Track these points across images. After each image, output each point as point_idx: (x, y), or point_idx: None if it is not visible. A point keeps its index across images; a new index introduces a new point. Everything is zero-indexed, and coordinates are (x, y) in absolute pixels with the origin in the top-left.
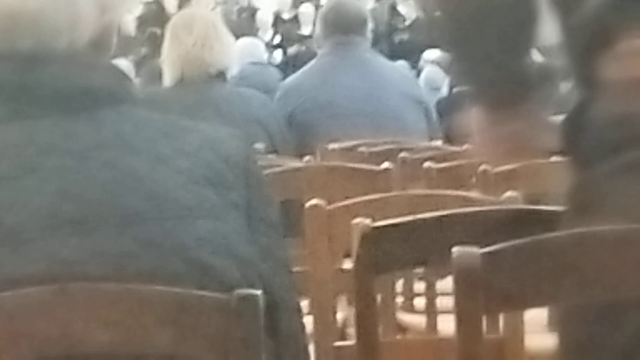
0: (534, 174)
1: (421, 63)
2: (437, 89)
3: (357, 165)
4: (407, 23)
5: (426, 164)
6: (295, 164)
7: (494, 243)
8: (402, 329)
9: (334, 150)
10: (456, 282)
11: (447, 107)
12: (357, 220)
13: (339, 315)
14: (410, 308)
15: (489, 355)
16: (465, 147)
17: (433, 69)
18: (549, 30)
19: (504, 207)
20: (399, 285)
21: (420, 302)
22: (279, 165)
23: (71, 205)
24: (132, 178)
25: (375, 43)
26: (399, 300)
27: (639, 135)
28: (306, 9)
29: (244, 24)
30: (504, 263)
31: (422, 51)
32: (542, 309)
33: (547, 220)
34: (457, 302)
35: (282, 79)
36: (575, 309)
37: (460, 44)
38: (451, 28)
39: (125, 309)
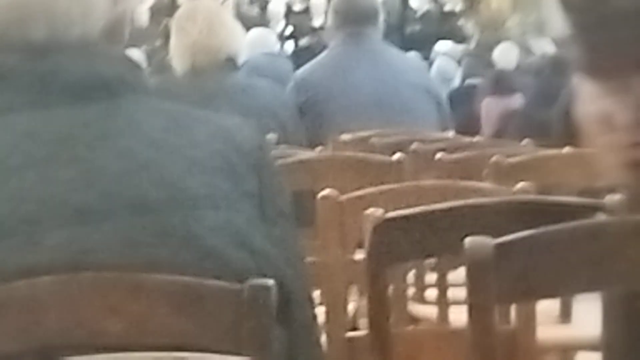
0: (546, 165)
1: (433, 54)
2: (449, 80)
3: (369, 156)
4: (419, 14)
5: (438, 155)
6: (308, 154)
7: (506, 234)
8: (414, 319)
9: (346, 141)
10: (468, 273)
11: (460, 98)
12: (369, 211)
13: (351, 306)
14: (421, 299)
15: (501, 346)
16: (477, 138)
17: (445, 60)
18: (562, 21)
19: (516, 197)
20: (411, 276)
21: (432, 293)
22: (291, 156)
23: (84, 195)
24: (146, 168)
25: (387, 34)
26: (411, 291)
27: None
28: (317, 0)
29: (255, 15)
30: (516, 254)
31: (433, 42)
32: (554, 300)
33: (560, 211)
34: (469, 293)
35: (294, 70)
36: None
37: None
38: None
39: (137, 299)
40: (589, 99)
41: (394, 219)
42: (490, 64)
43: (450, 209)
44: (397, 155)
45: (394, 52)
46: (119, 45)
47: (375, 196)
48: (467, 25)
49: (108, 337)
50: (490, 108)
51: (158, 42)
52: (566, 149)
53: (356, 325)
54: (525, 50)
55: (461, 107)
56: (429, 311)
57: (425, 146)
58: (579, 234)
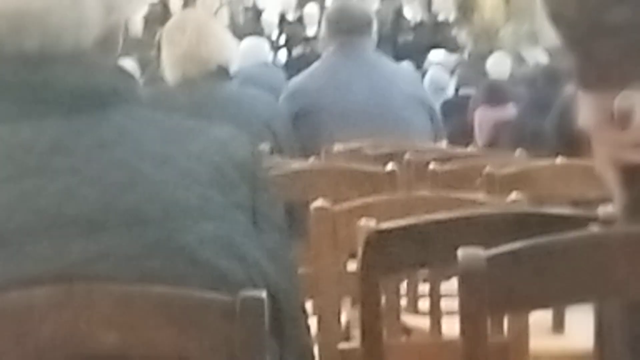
0: (539, 176)
1: (426, 64)
2: (441, 89)
3: (362, 167)
4: (412, 24)
5: (431, 166)
6: (300, 165)
7: (499, 245)
8: (407, 330)
9: (339, 151)
10: (461, 284)
11: (452, 108)
12: (362, 221)
13: (344, 317)
14: (414, 310)
15: (494, 357)
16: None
17: (438, 70)
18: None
19: (509, 208)
20: (404, 286)
21: (424, 304)
22: (284, 166)
23: (77, 206)
24: (138, 179)
25: (379, 44)
26: (404, 301)
27: None
28: (311, 10)
29: (249, 24)
30: (508, 265)
31: (427, 52)
32: (546, 311)
33: (553, 222)
34: (462, 304)
35: (287, 80)
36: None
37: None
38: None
39: (130, 310)
40: (589, 106)
41: (387, 229)
42: (483, 74)
43: (443, 220)
44: (390, 166)
45: (387, 62)
46: (112, 55)
47: (368, 207)
48: (461, 35)
49: (100, 349)
50: (483, 118)
51: (152, 52)
52: (559, 160)
53: (349, 336)
54: (519, 60)
55: (454, 117)
56: (422, 322)
57: (418, 156)
58: (572, 245)
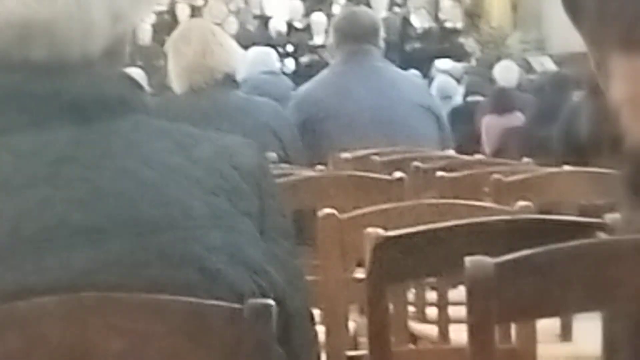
0: (546, 184)
1: (433, 72)
2: (449, 97)
3: (369, 175)
4: (420, 32)
5: (439, 173)
6: (308, 173)
7: (507, 253)
8: (414, 338)
9: (346, 159)
10: (469, 292)
11: (460, 116)
12: (370, 229)
13: (351, 325)
14: (422, 318)
15: None
16: (477, 156)
17: (445, 78)
18: (563, 38)
19: (516, 216)
20: (411, 294)
21: (432, 312)
22: (292, 174)
23: (85, 215)
24: (145, 188)
25: (387, 52)
26: (411, 309)
27: None
28: (319, 18)
29: (257, 32)
30: (516, 273)
31: (434, 60)
32: (554, 318)
33: (560, 230)
34: (470, 312)
35: (294, 88)
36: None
37: None
38: None
39: (138, 319)
40: (624, 76)
41: (394, 237)
42: (490, 82)
43: (451, 228)
44: (397, 174)
45: (394, 70)
46: (120, 64)
47: (375, 215)
48: (468, 43)
49: (108, 357)
50: (490, 126)
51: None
52: (567, 167)
53: (357, 344)
54: (526, 67)
55: (462, 125)
56: (429, 330)
57: (426, 164)
58: (579, 252)
